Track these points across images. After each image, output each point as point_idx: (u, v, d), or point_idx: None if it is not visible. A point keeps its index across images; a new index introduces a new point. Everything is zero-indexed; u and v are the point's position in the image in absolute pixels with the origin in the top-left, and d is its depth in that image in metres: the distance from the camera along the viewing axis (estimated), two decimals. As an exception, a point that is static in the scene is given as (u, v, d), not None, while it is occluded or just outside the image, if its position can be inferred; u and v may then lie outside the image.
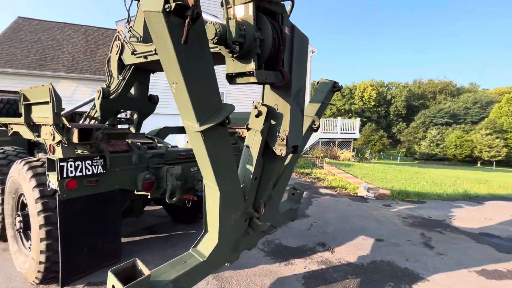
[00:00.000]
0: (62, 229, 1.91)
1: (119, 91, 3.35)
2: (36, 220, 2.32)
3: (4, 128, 4.43)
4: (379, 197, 6.49)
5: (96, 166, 2.03)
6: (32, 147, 4.26)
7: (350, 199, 6.33)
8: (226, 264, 2.28)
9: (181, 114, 1.47)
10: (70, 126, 1.86)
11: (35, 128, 2.34)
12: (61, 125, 1.87)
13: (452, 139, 36.91)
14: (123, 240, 3.74)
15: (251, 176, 2.17)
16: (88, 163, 1.98)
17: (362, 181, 8.10)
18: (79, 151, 2.31)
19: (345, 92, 59.79)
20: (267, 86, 2.11)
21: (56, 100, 1.83)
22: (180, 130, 4.66)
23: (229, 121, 1.53)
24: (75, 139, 1.86)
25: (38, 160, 2.56)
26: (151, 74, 3.68)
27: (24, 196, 2.70)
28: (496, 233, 4.41)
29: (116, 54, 3.31)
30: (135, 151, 2.37)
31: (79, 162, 1.93)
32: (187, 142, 3.86)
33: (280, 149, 2.08)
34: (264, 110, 2.04)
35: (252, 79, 1.65)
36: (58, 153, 1.93)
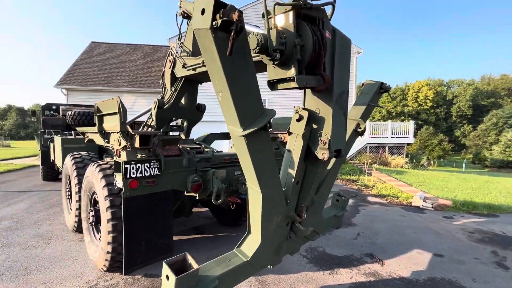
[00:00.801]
0: (126, 224, 2.18)
1: (172, 101, 3.70)
2: (105, 215, 2.68)
3: (81, 136, 5.22)
4: (438, 207, 5.81)
5: (153, 168, 2.28)
6: (101, 153, 4.94)
7: (403, 209, 5.81)
8: (269, 266, 2.31)
9: (226, 120, 1.58)
10: (133, 133, 2.14)
11: (106, 135, 2.74)
12: (126, 132, 2.16)
13: (535, 143, 31.09)
14: (174, 238, 4.06)
15: (293, 180, 2.18)
16: (147, 166, 2.24)
17: (418, 190, 7.36)
18: (139, 155, 2.63)
19: (397, 93, 55.30)
20: (308, 90, 2.13)
21: (123, 111, 2.13)
22: (225, 136, 4.91)
23: (271, 125, 1.59)
24: (136, 144, 2.13)
25: (107, 163, 2.97)
26: (199, 85, 3.98)
27: (96, 194, 3.15)
28: None
29: (169, 68, 3.68)
30: (185, 155, 2.59)
31: (139, 165, 2.20)
32: (231, 147, 4.05)
33: (322, 153, 2.06)
34: (305, 114, 2.06)
35: (293, 84, 1.68)
36: (123, 157, 2.22)
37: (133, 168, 2.16)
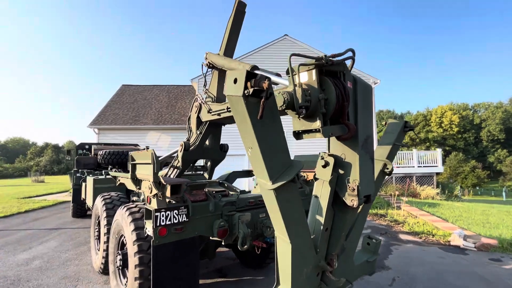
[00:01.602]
0: (154, 272, 2.18)
1: (197, 143, 3.87)
2: (133, 260, 2.71)
3: (111, 177, 5.49)
4: (481, 247, 5.25)
5: (181, 215, 2.33)
6: (128, 192, 5.14)
7: (441, 249, 5.31)
8: (301, 323, 2.16)
9: (255, 173, 1.63)
10: (164, 183, 2.24)
11: (137, 182, 2.88)
12: (158, 182, 2.27)
13: None
14: (197, 282, 3.95)
15: (321, 227, 2.13)
16: (175, 213, 2.30)
17: (455, 226, 6.77)
18: (167, 200, 2.71)
19: (418, 119, 53.78)
20: (333, 138, 2.16)
21: (156, 163, 2.27)
22: (247, 174, 4.96)
23: (299, 177, 1.60)
24: (168, 193, 2.22)
25: (136, 206, 3.08)
26: (223, 127, 4.16)
27: (124, 237, 3.22)
28: None
29: (195, 113, 3.91)
30: (211, 200, 2.63)
31: (169, 212, 2.26)
32: (255, 187, 4.06)
33: (351, 199, 2.02)
34: (331, 160, 2.07)
35: (318, 135, 1.73)
36: (154, 204, 2.31)
37: (162, 215, 2.22)
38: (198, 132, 3.89)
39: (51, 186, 24.36)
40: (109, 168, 6.97)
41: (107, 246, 3.85)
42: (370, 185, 2.10)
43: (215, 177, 4.71)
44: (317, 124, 1.69)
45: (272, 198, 1.61)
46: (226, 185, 4.13)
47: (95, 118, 16.19)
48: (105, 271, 4.02)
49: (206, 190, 2.85)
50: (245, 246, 2.57)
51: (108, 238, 3.84)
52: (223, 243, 2.67)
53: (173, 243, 2.30)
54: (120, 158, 7.54)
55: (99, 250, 4.28)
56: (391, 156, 2.79)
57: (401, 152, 16.17)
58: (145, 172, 2.55)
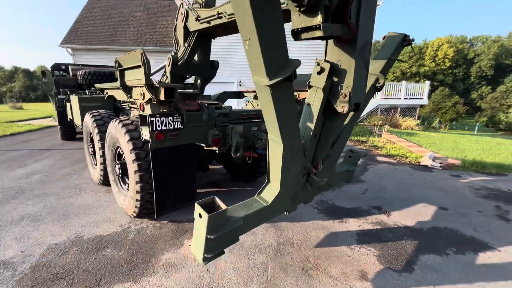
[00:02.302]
0: (155, 173, 2.36)
1: (185, 57, 3.65)
2: (132, 167, 2.88)
3: (97, 95, 5.30)
4: (446, 167, 5.91)
5: (176, 122, 2.38)
6: (117, 112, 5.07)
7: (412, 168, 5.94)
8: (285, 213, 2.52)
9: (252, 70, 1.60)
10: (158, 86, 2.19)
11: (128, 90, 2.80)
12: (151, 85, 2.21)
13: (555, 106, 29.71)
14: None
15: (311, 133, 2.26)
16: (170, 119, 2.34)
17: (427, 150, 7.41)
18: (161, 110, 2.71)
19: (415, 51, 51.94)
20: (330, 42, 2.08)
21: (147, 63, 2.16)
22: (237, 95, 4.91)
23: (295, 75, 1.60)
24: (161, 96, 2.20)
25: (128, 119, 3.09)
26: (213, 40, 3.87)
27: (120, 148, 3.34)
28: None
29: (182, 21, 3.56)
30: (205, 110, 2.66)
31: (164, 118, 2.29)
32: (246, 105, 4.08)
33: (342, 106, 2.10)
34: (327, 66, 2.05)
35: (318, 33, 1.65)
36: (148, 110, 2.31)
37: (158, 121, 2.26)
38: (186, 45, 3.62)
39: (31, 112, 23.50)
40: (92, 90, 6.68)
41: (104, 160, 4.02)
42: (361, 93, 2.15)
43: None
44: (318, 19, 1.59)
45: (268, 96, 1.64)
46: (218, 103, 4.12)
47: (66, 36, 14.49)
48: (105, 182, 4.30)
49: (199, 101, 2.85)
50: (238, 154, 2.75)
51: (103, 152, 3.97)
52: (217, 151, 2.84)
53: (171, 148, 2.41)
54: (103, 79, 7.15)
55: (96, 165, 4.48)
56: (384, 71, 2.78)
57: (390, 84, 16.18)
58: (135, 77, 2.46)
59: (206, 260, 1.78)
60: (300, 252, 2.71)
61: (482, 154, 7.39)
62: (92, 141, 4.57)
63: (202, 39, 3.66)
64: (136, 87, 2.51)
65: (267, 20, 1.37)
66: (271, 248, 2.76)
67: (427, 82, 16.26)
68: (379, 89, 2.81)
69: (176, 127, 2.38)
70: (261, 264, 2.53)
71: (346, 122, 2.65)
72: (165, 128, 2.31)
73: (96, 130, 3.99)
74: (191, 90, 4.19)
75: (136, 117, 3.26)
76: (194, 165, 2.66)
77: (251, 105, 3.70)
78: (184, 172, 2.58)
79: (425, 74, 49.98)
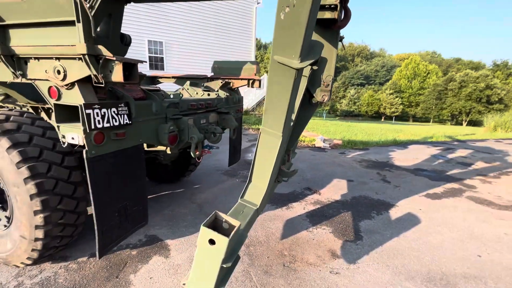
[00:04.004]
0: (95, 194, 1.53)
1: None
2: (23, 190, 1.80)
3: None
4: (334, 146, 7.33)
5: (122, 116, 1.62)
6: None
7: (311, 150, 6.97)
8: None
9: (277, 48, 1.28)
10: (114, 58, 1.36)
11: (18, 62, 1.62)
12: (95, 56, 1.35)
13: (365, 98, 43.13)
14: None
15: (292, 123, 2.14)
16: (114, 112, 1.56)
17: (314, 134, 8.92)
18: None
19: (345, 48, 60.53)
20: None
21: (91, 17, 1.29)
22: (150, 81, 4.03)
23: (318, 61, 1.41)
24: (118, 77, 1.39)
25: (2, 114, 1.89)
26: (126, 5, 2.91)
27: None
28: (424, 167, 5.70)
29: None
30: (155, 98, 1.96)
31: (105, 110, 1.49)
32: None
33: (322, 95, 2.09)
34: (312, 54, 1.96)
35: (328, 14, 1.51)
36: (76, 97, 1.42)
37: (97, 114, 1.44)
38: (87, 6, 2.55)
39: None
40: None
41: None
42: (333, 81, 2.23)
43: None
44: (336, -3, 1.45)
45: (290, 82, 1.37)
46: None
47: None
48: None
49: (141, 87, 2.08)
50: (197, 153, 2.25)
51: None
52: (168, 152, 2.20)
53: (115, 154, 1.64)
54: None
55: None
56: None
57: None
58: (53, 42, 1.46)
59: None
60: (271, 249, 2.60)
61: (346, 134, 9.68)
62: None
63: (109, 2, 2.68)
64: (43, 57, 1.50)
65: None
66: (243, 253, 2.49)
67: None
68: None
69: (122, 122, 1.62)
70: (242, 273, 2.24)
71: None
72: (108, 125, 1.52)
73: None
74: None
75: (13, 110, 2.04)
76: (143, 174, 1.93)
77: (187, 93, 3.10)
78: (132, 185, 1.83)
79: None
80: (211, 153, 2.70)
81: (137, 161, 1.85)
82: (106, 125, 1.51)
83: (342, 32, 3.24)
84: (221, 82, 3.34)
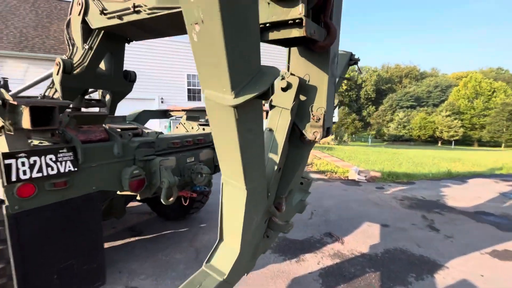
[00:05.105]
0: (17, 253, 1.31)
1: (85, 64, 2.63)
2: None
3: None
4: (370, 179, 6.42)
5: (63, 162, 1.43)
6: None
7: (343, 183, 6.18)
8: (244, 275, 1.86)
9: (202, 79, 0.95)
10: (15, 103, 1.22)
11: None
12: (2, 102, 1.22)
13: (417, 121, 39.35)
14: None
15: (275, 167, 1.72)
16: (51, 159, 1.38)
17: (350, 164, 8.04)
18: (36, 142, 1.66)
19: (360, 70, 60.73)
20: (294, 51, 1.64)
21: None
22: (162, 114, 4.00)
23: (273, 91, 1.04)
24: (26, 123, 1.23)
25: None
26: (127, 44, 2.96)
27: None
28: (490, 210, 4.48)
29: (79, 15, 2.56)
30: (116, 139, 1.77)
31: (35, 158, 1.32)
32: (177, 127, 3.25)
33: (313, 132, 1.65)
34: (295, 81, 1.58)
35: (296, 31, 1.15)
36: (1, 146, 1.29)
37: (23, 164, 1.27)
38: (87, 47, 2.61)
39: None
40: None
41: None
42: (332, 115, 1.78)
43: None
44: (298, 10, 1.09)
45: (230, 123, 1.01)
46: (136, 126, 3.16)
47: None
48: None
49: (107, 126, 1.93)
50: (171, 199, 1.95)
51: None
52: (138, 198, 1.97)
53: (51, 207, 1.42)
54: None
55: None
56: (336, 90, 2.56)
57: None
58: None
59: None
60: (263, 322, 2.05)
61: (389, 164, 8.54)
62: None
63: (112, 42, 2.72)
64: None
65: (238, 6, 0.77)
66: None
67: (336, 100, 18.65)
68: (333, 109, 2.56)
69: (63, 170, 1.43)
70: None
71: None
72: (39, 175, 1.33)
73: None
74: (97, 110, 3.09)
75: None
76: (98, 225, 1.69)
77: (184, 128, 2.92)
78: (82, 239, 1.59)
79: (329, 95, 58.64)
80: (195, 196, 2.38)
81: (90, 212, 1.61)
82: (36, 175, 1.32)
83: (357, 53, 2.80)
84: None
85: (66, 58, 2.68)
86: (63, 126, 1.54)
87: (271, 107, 1.69)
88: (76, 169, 1.49)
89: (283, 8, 1.13)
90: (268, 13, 1.17)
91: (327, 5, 1.27)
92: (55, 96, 2.73)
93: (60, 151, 1.42)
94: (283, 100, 1.62)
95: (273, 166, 1.72)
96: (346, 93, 60.67)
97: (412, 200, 5.03)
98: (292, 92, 1.58)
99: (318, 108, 1.62)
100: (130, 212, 4.19)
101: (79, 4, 2.53)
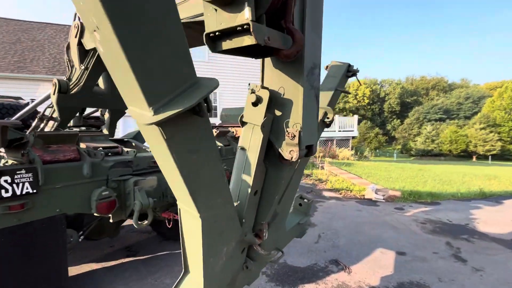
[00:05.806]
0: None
1: (82, 83, 2.69)
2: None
3: None
4: (388, 199, 5.91)
5: (20, 184, 1.38)
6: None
7: (358, 203, 5.74)
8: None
9: (122, 94, 0.83)
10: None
11: None
12: None
13: (447, 135, 36.89)
14: (94, 265, 3.08)
15: (249, 190, 1.54)
16: (6, 181, 1.33)
17: (368, 182, 7.53)
18: (10, 162, 1.64)
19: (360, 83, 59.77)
20: (268, 62, 1.49)
21: None
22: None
23: (210, 106, 0.90)
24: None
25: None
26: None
27: None
28: (530, 238, 3.86)
29: (76, 37, 2.65)
30: (86, 159, 1.71)
31: (-13, 180, 1.27)
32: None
33: (289, 150, 1.45)
34: (265, 95, 1.42)
35: (247, 39, 1.02)
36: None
37: (-29, 186, 1.23)
38: (83, 67, 2.68)
39: None
40: None
41: None
42: (313, 132, 1.58)
43: (118, 135, 3.62)
44: (245, 15, 0.97)
45: (160, 144, 0.87)
46: (134, 144, 3.15)
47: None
48: None
49: (85, 145, 1.88)
50: (145, 222, 1.83)
51: None
52: (111, 220, 1.87)
53: (5, 230, 1.36)
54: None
55: None
56: (332, 103, 2.37)
57: (325, 118, 17.39)
58: None
59: None
60: None
61: (412, 182, 7.88)
62: None
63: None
64: None
65: None
66: None
67: (355, 116, 18.10)
68: (328, 125, 2.34)
69: (19, 192, 1.37)
70: None
71: (296, 166, 2.04)
72: (-10, 197, 1.28)
73: None
74: (93, 129, 3.12)
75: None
76: (63, 249, 1.60)
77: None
78: (43, 265, 1.49)
79: (350, 110, 57.34)
80: (177, 218, 2.24)
81: (52, 235, 1.53)
82: (-14, 197, 1.27)
83: (355, 64, 2.60)
84: (216, 131, 3.00)
85: (65, 78, 2.77)
86: (29, 146, 1.51)
87: (242, 124, 1.54)
88: (35, 191, 1.43)
89: (230, 13, 1.01)
90: (216, 20, 1.06)
91: (287, 9, 1.13)
92: (53, 116, 2.80)
93: (18, 172, 1.37)
94: (254, 116, 1.46)
95: (246, 189, 1.55)
96: (369, 107, 59.01)
97: (435, 223, 4.50)
98: (262, 106, 1.42)
99: (294, 124, 1.44)
100: (131, 230, 4.13)
101: (76, 27, 2.64)
